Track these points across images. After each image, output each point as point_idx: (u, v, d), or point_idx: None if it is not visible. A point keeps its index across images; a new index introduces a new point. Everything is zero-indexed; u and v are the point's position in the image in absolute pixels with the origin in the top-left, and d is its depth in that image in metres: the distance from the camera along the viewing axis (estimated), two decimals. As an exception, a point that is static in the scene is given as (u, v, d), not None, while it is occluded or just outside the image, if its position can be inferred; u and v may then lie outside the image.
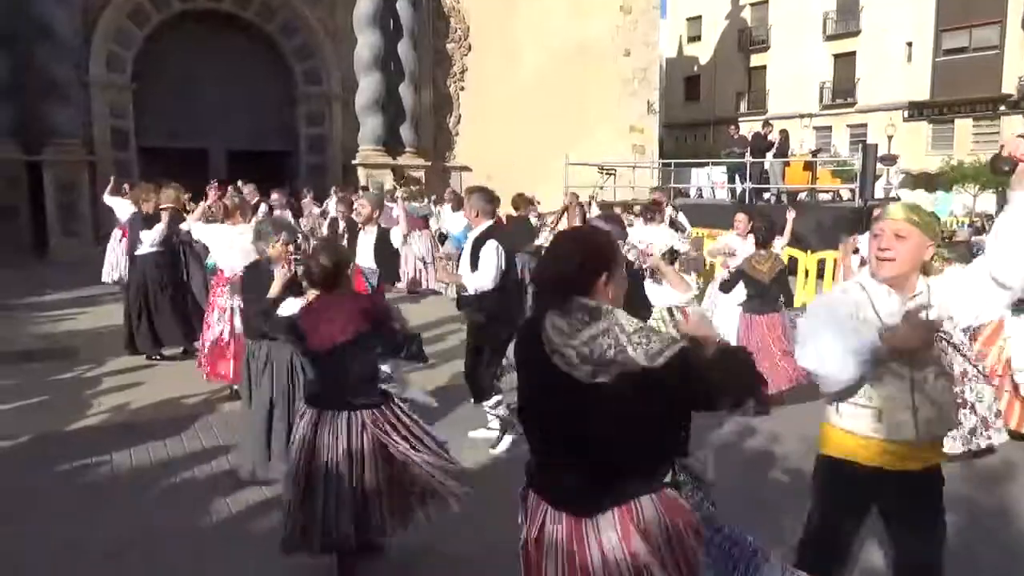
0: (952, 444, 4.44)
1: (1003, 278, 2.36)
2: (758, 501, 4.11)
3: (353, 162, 18.34)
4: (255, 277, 4.20)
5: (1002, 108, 29.22)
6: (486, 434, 5.22)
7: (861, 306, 2.49)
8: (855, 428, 2.51)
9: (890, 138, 28.42)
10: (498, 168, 17.56)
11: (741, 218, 7.05)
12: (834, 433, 2.57)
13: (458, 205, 11.58)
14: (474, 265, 4.86)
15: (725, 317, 6.47)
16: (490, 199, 5.08)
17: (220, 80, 17.64)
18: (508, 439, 5.08)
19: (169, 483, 4.47)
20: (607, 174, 18.26)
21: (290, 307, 3.61)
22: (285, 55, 18.59)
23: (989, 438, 4.64)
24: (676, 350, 1.78)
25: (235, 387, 5.68)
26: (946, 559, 2.65)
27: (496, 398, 5.07)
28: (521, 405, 2.10)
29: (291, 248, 4.30)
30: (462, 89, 20.42)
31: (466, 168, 19.99)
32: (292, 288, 3.84)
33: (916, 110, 31.02)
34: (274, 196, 11.80)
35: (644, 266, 4.55)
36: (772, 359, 5.77)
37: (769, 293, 5.97)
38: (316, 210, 13.64)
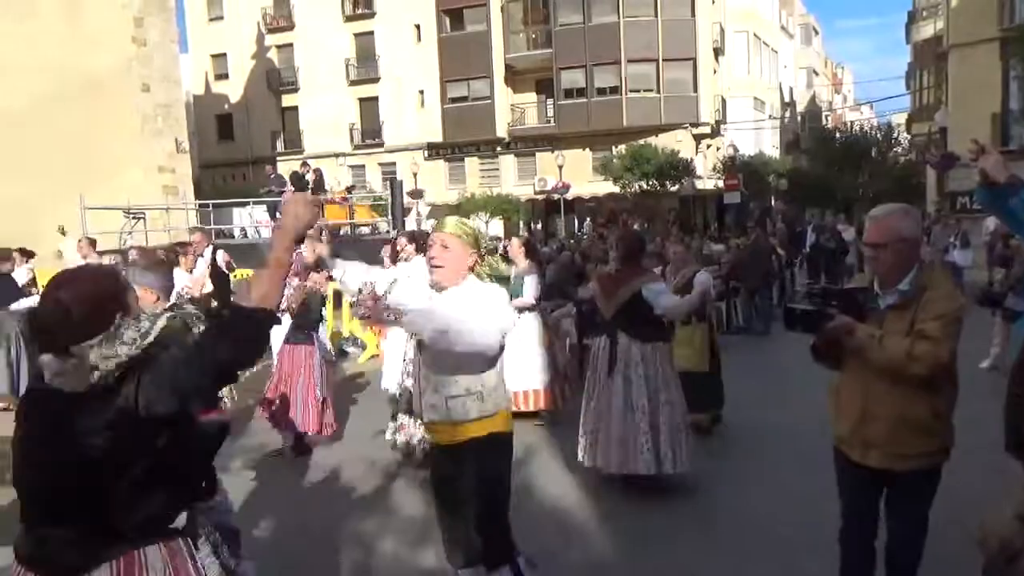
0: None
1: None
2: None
3: None
4: None
5: (499, 148, 34.66)
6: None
7: None
8: None
9: (415, 175, 31.53)
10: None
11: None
12: None
13: None
14: None
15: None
16: None
17: None
18: None
19: None
20: (135, 218, 16.57)
21: None
22: None
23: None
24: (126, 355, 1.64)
25: None
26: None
27: None
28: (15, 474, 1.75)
29: None
30: (-78, 120, 16.55)
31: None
32: None
33: (433, 150, 34.98)
34: None
35: None
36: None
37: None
38: None
